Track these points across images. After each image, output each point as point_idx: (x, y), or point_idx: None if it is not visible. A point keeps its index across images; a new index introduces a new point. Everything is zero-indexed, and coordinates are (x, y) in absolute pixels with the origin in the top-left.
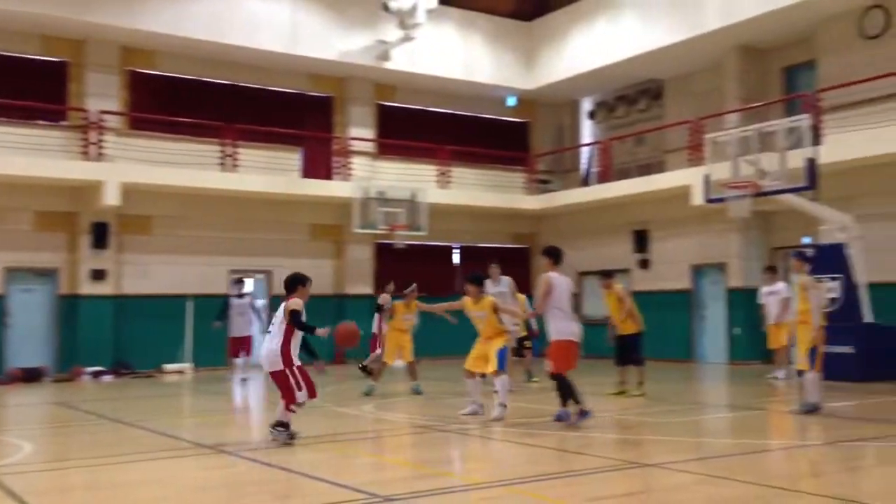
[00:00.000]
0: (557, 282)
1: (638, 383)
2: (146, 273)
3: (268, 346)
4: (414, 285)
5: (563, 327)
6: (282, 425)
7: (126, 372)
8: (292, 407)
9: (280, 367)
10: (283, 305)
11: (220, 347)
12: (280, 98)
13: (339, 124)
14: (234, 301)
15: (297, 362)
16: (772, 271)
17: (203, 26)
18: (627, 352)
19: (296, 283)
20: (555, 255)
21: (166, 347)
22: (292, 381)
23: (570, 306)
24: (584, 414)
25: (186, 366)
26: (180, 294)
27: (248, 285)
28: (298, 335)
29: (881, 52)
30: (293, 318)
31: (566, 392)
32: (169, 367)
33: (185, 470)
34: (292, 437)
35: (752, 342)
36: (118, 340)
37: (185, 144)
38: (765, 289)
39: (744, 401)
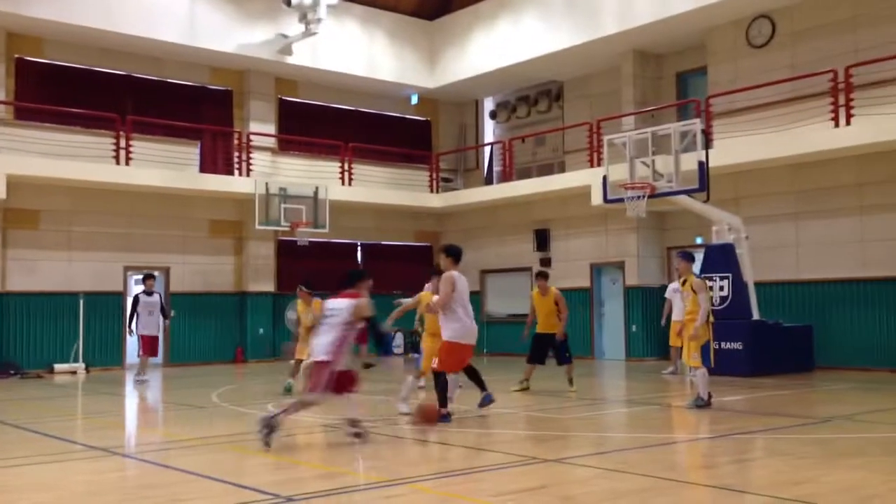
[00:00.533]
0: (460, 281)
1: (569, 380)
2: (34, 269)
3: (323, 341)
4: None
5: (458, 329)
6: (269, 426)
7: (13, 372)
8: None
9: (326, 358)
10: (349, 303)
11: (114, 347)
12: (178, 90)
13: (239, 119)
14: (144, 298)
15: (341, 366)
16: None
17: (95, 14)
18: (546, 351)
19: (358, 277)
20: (456, 254)
21: (56, 347)
22: (322, 378)
23: (468, 305)
24: (446, 417)
25: (78, 365)
26: (71, 291)
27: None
28: (352, 336)
29: (767, 60)
30: (372, 326)
31: (444, 392)
32: (59, 366)
33: (75, 473)
34: (272, 430)
35: (647, 339)
36: (4, 339)
37: (77, 136)
38: (672, 286)
39: (640, 396)
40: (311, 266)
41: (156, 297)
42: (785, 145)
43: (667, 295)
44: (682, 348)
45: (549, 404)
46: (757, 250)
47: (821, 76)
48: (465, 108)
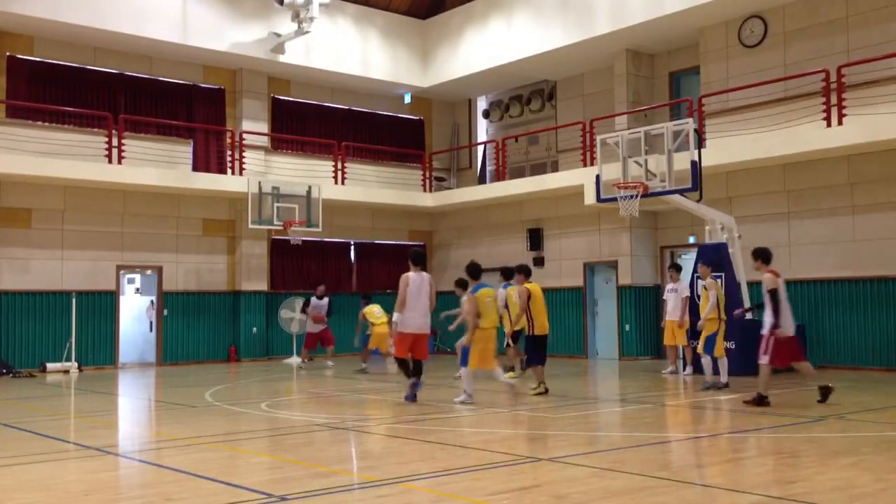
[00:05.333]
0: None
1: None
2: (26, 268)
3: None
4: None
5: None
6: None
7: (5, 372)
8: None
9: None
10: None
11: (107, 346)
12: (170, 89)
13: (232, 117)
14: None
15: None
16: (675, 269)
17: (86, 12)
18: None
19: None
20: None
21: (49, 346)
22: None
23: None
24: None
25: (71, 364)
26: (64, 290)
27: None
28: None
29: (759, 59)
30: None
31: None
32: (52, 366)
33: (68, 473)
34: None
35: (641, 338)
36: None
37: (69, 135)
38: (669, 286)
39: (634, 395)
40: (305, 265)
41: (325, 301)
42: (777, 145)
43: (665, 297)
44: (677, 347)
45: (543, 403)
46: (749, 250)
47: (813, 76)
48: (458, 107)
